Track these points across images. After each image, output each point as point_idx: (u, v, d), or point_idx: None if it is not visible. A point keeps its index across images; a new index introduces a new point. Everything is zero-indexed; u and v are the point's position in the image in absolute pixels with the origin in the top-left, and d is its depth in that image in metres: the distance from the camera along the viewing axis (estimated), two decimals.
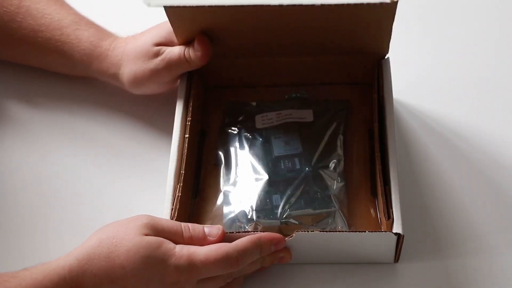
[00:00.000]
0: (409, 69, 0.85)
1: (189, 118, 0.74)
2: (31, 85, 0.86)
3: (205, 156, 0.77)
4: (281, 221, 0.70)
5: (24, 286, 0.61)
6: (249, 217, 0.71)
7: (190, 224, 0.65)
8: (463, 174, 0.77)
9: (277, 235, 0.66)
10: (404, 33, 0.86)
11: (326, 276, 0.71)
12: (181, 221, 0.67)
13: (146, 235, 0.63)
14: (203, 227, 0.65)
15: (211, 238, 0.65)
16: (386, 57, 0.78)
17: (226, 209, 0.72)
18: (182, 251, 0.62)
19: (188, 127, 0.74)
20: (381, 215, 0.69)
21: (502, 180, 0.76)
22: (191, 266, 0.62)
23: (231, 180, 0.74)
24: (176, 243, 0.64)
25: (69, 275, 0.61)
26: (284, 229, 0.70)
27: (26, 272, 0.62)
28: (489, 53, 0.87)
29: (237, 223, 0.71)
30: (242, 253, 0.64)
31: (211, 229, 0.65)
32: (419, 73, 0.85)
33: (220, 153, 0.77)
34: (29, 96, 0.85)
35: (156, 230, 0.63)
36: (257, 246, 0.65)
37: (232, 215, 0.72)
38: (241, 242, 0.64)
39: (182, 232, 0.64)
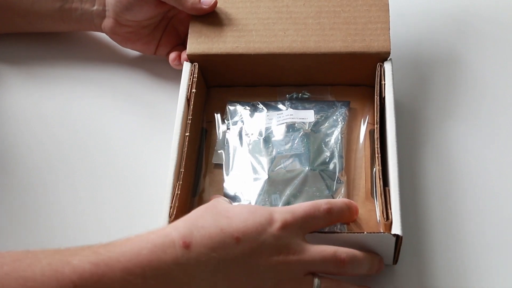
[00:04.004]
0: (411, 70, 0.85)
1: (189, 117, 0.74)
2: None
3: (206, 155, 0.77)
4: None
5: (127, 249, 0.57)
6: None
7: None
8: (464, 176, 0.76)
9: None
10: (406, 35, 0.86)
11: None
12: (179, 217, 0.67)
13: None
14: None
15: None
16: (388, 59, 0.78)
17: None
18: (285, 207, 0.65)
19: (188, 126, 0.74)
20: (380, 216, 0.69)
21: (502, 183, 0.76)
22: (292, 212, 0.63)
23: (231, 179, 0.74)
24: None
25: (176, 232, 0.59)
26: None
27: (121, 240, 0.59)
28: (492, 54, 0.86)
29: None
30: (333, 203, 0.66)
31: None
32: (421, 74, 0.85)
33: (221, 152, 0.77)
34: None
35: None
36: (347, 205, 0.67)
37: None
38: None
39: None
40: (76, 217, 0.76)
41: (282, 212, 0.63)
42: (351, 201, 0.69)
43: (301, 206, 0.64)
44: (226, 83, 0.82)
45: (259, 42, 0.79)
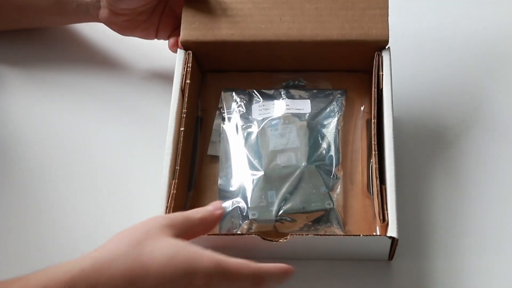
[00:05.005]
0: (410, 59, 0.83)
1: (184, 110, 0.73)
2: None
3: (201, 146, 0.76)
4: (275, 219, 0.70)
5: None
6: (244, 214, 0.71)
7: (195, 209, 0.64)
8: (461, 174, 0.76)
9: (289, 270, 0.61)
10: (405, 24, 0.84)
11: (319, 272, 0.71)
12: None
13: (170, 235, 0.59)
14: (206, 207, 0.64)
15: (217, 212, 0.63)
16: (386, 47, 0.76)
17: None
18: (210, 254, 0.58)
19: (183, 120, 0.73)
20: (377, 216, 0.69)
21: (500, 183, 0.75)
22: (222, 270, 0.57)
23: (227, 174, 0.74)
24: (193, 229, 0.62)
25: (79, 277, 0.55)
26: (279, 226, 0.70)
27: (30, 276, 0.56)
28: (493, 43, 0.85)
29: (232, 220, 0.71)
30: (268, 276, 0.59)
31: (213, 204, 0.64)
32: (421, 63, 0.83)
33: (216, 144, 0.76)
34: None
35: (174, 226, 0.60)
36: (283, 275, 0.60)
37: (227, 211, 0.71)
38: (269, 265, 0.60)
39: (194, 215, 0.62)
40: (75, 218, 0.76)
41: (207, 264, 0.57)
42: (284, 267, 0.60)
43: (238, 264, 0.58)
44: (221, 68, 0.81)
45: (255, 29, 0.77)
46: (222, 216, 0.65)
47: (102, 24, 0.82)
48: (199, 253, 0.58)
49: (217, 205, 0.65)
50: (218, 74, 0.81)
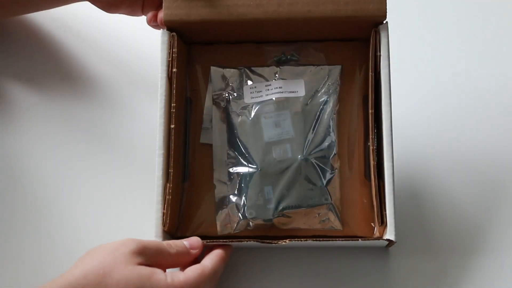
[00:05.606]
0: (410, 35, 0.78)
1: (173, 104, 0.70)
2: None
3: (192, 132, 0.74)
4: (273, 217, 0.70)
5: None
6: (241, 213, 0.70)
7: (171, 242, 0.66)
8: (459, 170, 0.75)
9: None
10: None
11: (319, 258, 0.73)
12: (173, 219, 0.69)
13: (136, 263, 0.62)
14: (183, 242, 0.66)
15: (193, 251, 0.66)
16: (384, 22, 0.71)
17: (218, 203, 0.71)
18: (173, 280, 0.62)
19: (173, 115, 0.70)
20: (375, 216, 0.68)
21: (499, 182, 0.75)
22: None
23: (221, 168, 0.72)
24: (164, 262, 0.65)
25: None
26: (277, 223, 0.70)
27: None
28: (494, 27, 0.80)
29: (230, 217, 0.71)
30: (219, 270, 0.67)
31: (191, 242, 0.67)
32: (421, 39, 0.79)
33: (208, 131, 0.73)
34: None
35: (144, 254, 0.63)
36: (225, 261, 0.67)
37: (224, 208, 0.71)
38: (216, 264, 0.66)
39: (168, 250, 0.65)
40: (74, 221, 0.76)
41: None
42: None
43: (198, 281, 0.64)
44: (208, 41, 0.76)
45: (243, 6, 0.71)
46: (199, 254, 0.66)
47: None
48: (162, 283, 0.61)
49: (194, 244, 0.66)
50: (205, 48, 0.76)
